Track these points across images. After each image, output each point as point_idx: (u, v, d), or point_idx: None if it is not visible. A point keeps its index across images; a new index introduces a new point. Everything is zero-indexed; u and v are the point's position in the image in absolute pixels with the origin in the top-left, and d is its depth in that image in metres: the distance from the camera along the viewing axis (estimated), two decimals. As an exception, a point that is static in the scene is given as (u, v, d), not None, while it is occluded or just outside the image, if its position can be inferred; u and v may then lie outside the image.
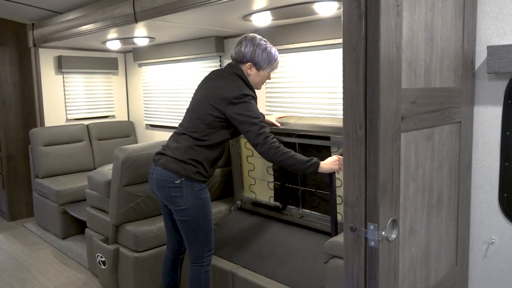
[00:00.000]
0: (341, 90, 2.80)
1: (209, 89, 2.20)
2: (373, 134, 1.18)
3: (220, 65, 3.83)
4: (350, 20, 1.18)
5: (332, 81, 2.92)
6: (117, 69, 4.91)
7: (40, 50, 4.40)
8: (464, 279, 1.71)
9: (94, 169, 4.46)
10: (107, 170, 3.21)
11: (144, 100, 4.79)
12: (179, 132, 2.23)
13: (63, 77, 4.58)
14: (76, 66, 4.59)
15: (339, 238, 1.89)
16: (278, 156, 2.02)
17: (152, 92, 4.64)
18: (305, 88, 3.10)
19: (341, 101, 2.81)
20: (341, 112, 2.77)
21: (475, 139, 1.65)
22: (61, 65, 4.47)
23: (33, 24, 4.30)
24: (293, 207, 2.79)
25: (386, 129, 1.19)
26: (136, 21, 3.03)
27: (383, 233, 1.21)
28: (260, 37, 2.21)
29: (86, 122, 4.65)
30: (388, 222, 1.23)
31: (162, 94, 4.51)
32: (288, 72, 3.20)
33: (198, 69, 4.05)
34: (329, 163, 2.06)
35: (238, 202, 3.09)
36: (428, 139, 1.40)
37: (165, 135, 4.51)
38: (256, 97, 2.20)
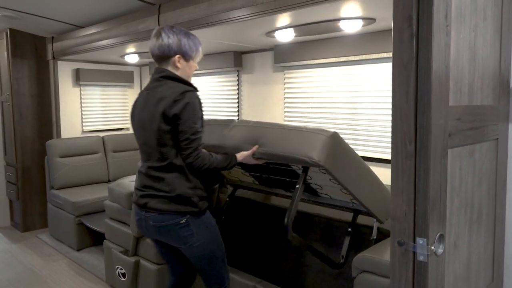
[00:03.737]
0: (363, 105, 2.84)
1: (150, 109, 1.93)
2: (424, 150, 1.20)
3: (237, 79, 3.88)
4: (401, 39, 1.21)
5: (353, 97, 2.96)
6: (132, 82, 4.96)
7: (59, 62, 4.46)
8: (499, 295, 1.72)
9: (109, 181, 4.48)
10: (128, 182, 3.22)
11: (159, 113, 4.83)
12: (154, 169, 1.96)
13: (80, 90, 4.63)
14: (93, 78, 4.65)
15: (368, 252, 1.91)
16: (201, 164, 1.90)
17: (168, 105, 4.68)
18: (325, 104, 3.13)
19: (362, 116, 2.84)
20: (363, 127, 2.79)
21: (510, 155, 1.67)
22: (79, 77, 4.53)
23: (52, 37, 4.37)
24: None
25: (436, 145, 1.21)
26: (160, 36, 3.08)
27: (432, 247, 1.22)
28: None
29: (101, 134, 4.69)
30: (436, 237, 1.24)
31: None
32: (309, 88, 3.24)
33: (216, 83, 4.10)
34: (245, 157, 2.02)
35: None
36: (470, 155, 1.42)
37: (180, 148, 4.53)
38: (196, 88, 1.98)
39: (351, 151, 1.99)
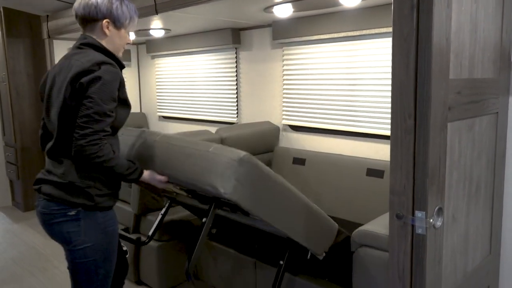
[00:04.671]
0: (362, 82, 2.81)
1: (59, 80, 1.63)
2: (423, 124, 1.20)
3: (236, 57, 3.84)
4: (402, 11, 1.19)
5: (352, 73, 2.93)
6: (129, 61, 4.91)
7: (54, 41, 4.40)
8: (496, 267, 1.75)
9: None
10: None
11: (157, 92, 4.80)
12: (55, 151, 1.67)
13: (77, 69, 4.59)
14: (89, 57, 4.59)
15: (367, 227, 1.93)
16: (94, 155, 1.54)
17: (166, 83, 4.66)
18: (324, 80, 3.11)
19: (361, 92, 2.83)
20: (362, 103, 2.77)
21: (510, 129, 1.67)
22: (75, 56, 4.48)
23: (47, 16, 4.29)
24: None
25: (435, 119, 1.21)
26: (157, 13, 3.03)
27: (431, 220, 1.23)
28: None
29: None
30: (435, 210, 1.25)
31: (176, 85, 4.52)
32: (307, 64, 3.21)
33: (214, 61, 4.06)
34: (153, 180, 1.78)
35: None
36: (470, 129, 1.42)
37: (179, 127, 4.53)
38: (122, 66, 1.71)
39: (269, 175, 1.64)
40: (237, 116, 3.87)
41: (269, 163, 3.46)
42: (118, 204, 3.14)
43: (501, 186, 1.69)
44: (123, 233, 2.69)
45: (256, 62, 3.65)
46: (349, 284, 2.08)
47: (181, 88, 4.48)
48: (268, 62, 3.53)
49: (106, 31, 1.66)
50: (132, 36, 4.01)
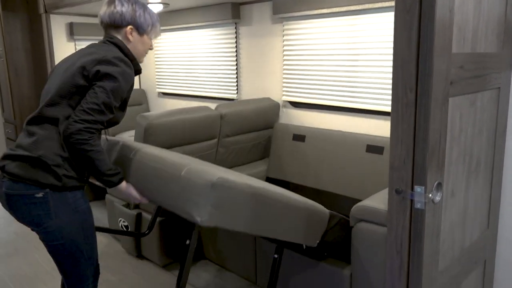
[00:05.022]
0: (363, 57, 2.78)
1: (73, 59, 1.67)
2: (424, 98, 1.19)
3: (235, 32, 3.79)
4: (405, -18, 1.17)
5: (353, 48, 2.90)
6: (128, 36, 4.85)
7: (52, 16, 4.33)
8: (494, 241, 1.76)
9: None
10: (128, 137, 3.24)
11: (156, 68, 4.76)
12: (33, 120, 1.63)
13: (75, 44, 4.53)
14: (87, 33, 4.53)
15: (366, 202, 1.94)
16: (86, 143, 1.53)
17: (165, 59, 4.61)
18: (325, 56, 3.08)
19: (362, 68, 2.80)
20: (363, 79, 2.75)
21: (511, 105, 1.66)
22: (73, 32, 4.41)
23: (43, -11, 4.22)
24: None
25: (437, 93, 1.20)
26: (155, -14, 2.98)
27: (430, 195, 1.24)
28: None
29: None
30: (434, 185, 1.25)
31: (175, 61, 4.48)
32: (308, 40, 3.17)
33: (213, 36, 4.00)
34: (131, 192, 1.71)
35: None
36: (471, 104, 1.41)
37: (179, 103, 4.51)
38: (139, 70, 1.78)
39: (247, 191, 1.54)
40: (237, 93, 3.85)
41: (268, 140, 3.46)
42: (119, 180, 3.16)
43: (501, 162, 1.69)
44: (122, 229, 2.68)
45: (256, 37, 3.60)
46: (347, 258, 2.11)
47: (180, 64, 4.44)
48: (268, 37, 3.49)
49: (130, 37, 1.74)
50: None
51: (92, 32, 4.57)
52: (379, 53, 2.76)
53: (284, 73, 3.37)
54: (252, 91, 3.68)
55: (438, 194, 1.28)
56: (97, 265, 1.79)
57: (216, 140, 3.10)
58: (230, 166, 3.31)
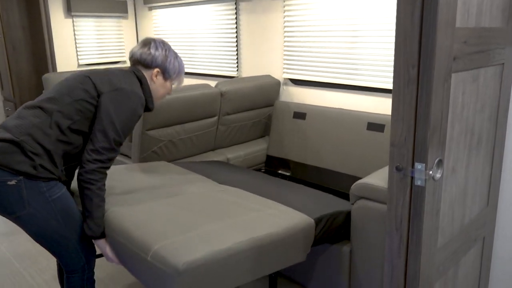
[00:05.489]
0: (364, 33, 2.73)
1: (97, 71, 1.76)
2: (427, 74, 1.17)
3: (235, 8, 3.72)
4: (409, -46, 1.13)
5: (354, 24, 2.85)
6: (126, 12, 4.77)
7: (48, -8, 4.26)
8: (493, 219, 1.77)
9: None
10: (127, 115, 3.23)
11: (155, 45, 4.70)
12: (29, 106, 1.65)
13: (73, 21, 4.47)
14: (85, 9, 4.46)
15: (366, 180, 1.94)
16: (94, 186, 1.59)
17: (164, 36, 4.55)
18: (326, 32, 3.03)
19: (363, 44, 2.76)
20: (364, 56, 2.70)
21: (515, 81, 1.64)
22: (70, 8, 4.34)
23: (39, -36, 4.13)
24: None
25: (440, 69, 1.18)
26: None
27: (430, 172, 1.23)
28: None
29: (98, 68, 4.60)
30: (435, 162, 1.25)
31: (175, 38, 4.42)
32: (309, 15, 3.11)
33: (213, 13, 3.94)
34: (107, 250, 1.68)
35: None
36: (474, 80, 1.39)
37: (179, 81, 4.47)
38: (151, 109, 1.83)
39: (219, 261, 1.47)
40: (237, 70, 3.81)
41: (269, 118, 3.44)
42: (118, 158, 3.16)
43: (503, 139, 1.68)
44: None
45: (256, 13, 3.54)
46: (347, 235, 2.12)
47: (180, 41, 4.38)
48: (269, 13, 3.43)
49: (154, 79, 1.84)
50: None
51: (90, 8, 4.50)
52: (381, 29, 2.71)
53: (285, 50, 3.32)
54: (252, 68, 3.65)
55: (439, 171, 1.27)
56: (91, 248, 1.77)
57: (216, 118, 3.09)
58: (230, 144, 3.31)
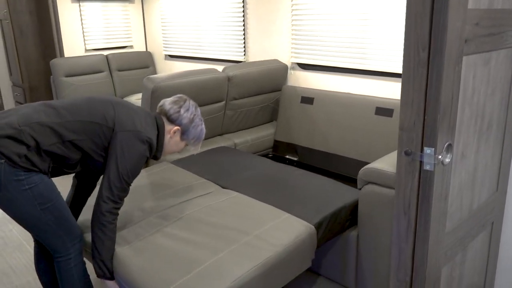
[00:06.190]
0: (376, 16, 2.69)
1: (124, 104, 1.78)
2: (437, 57, 1.15)
3: (243, -8, 3.67)
4: None
5: (364, 6, 2.80)
6: (133, -4, 4.75)
7: (54, -24, 4.24)
8: (502, 204, 1.76)
9: (116, 100, 4.48)
10: (135, 100, 3.22)
11: (162, 30, 4.67)
12: (48, 104, 1.68)
13: (79, 6, 4.45)
14: (92, -7, 4.44)
15: (374, 164, 1.93)
16: (106, 228, 1.65)
17: (171, 20, 4.52)
18: (335, 15, 2.98)
19: (375, 28, 2.71)
20: (373, 40, 2.66)
21: (528, 65, 1.60)
22: (77, -8, 4.33)
23: None
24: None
25: (451, 52, 1.15)
26: None
27: (440, 157, 1.22)
28: None
29: (105, 53, 4.59)
30: (444, 146, 1.23)
31: (182, 22, 4.39)
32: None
33: (220, -4, 3.90)
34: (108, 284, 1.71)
35: None
36: (486, 64, 1.36)
37: (186, 66, 4.46)
38: (156, 158, 1.85)
39: None
40: (244, 54, 3.78)
41: (276, 103, 3.42)
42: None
43: (514, 123, 1.66)
44: None
45: (264, -4, 3.50)
46: (354, 221, 2.12)
47: (186, 25, 4.35)
48: (276, -4, 3.38)
49: (172, 135, 1.84)
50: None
51: (96, -7, 4.48)
52: (391, 11, 2.67)
53: (293, 34, 3.29)
54: (259, 52, 3.62)
55: (448, 155, 1.25)
56: (73, 231, 1.74)
57: (223, 102, 3.08)
58: (238, 129, 3.30)
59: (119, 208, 1.68)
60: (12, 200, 1.57)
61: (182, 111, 1.84)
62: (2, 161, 1.53)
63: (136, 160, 1.67)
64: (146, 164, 2.95)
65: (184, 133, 1.86)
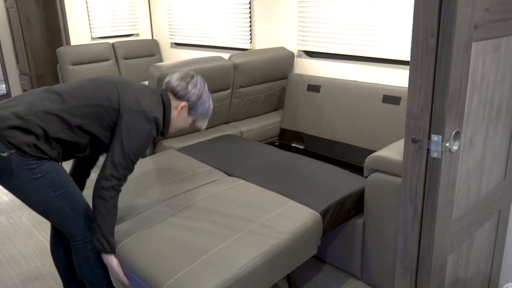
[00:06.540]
0: (383, 2, 2.65)
1: (129, 83, 1.76)
2: (446, 43, 1.13)
3: (249, -22, 3.64)
4: None
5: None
6: (138, -16, 4.72)
7: (60, -37, 4.22)
8: (510, 192, 1.75)
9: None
10: (141, 88, 3.23)
11: (168, 18, 4.65)
12: (51, 90, 1.68)
13: (85, -7, 4.44)
14: (97, -19, 4.42)
15: (380, 152, 1.92)
16: (108, 203, 1.63)
17: (177, 8, 4.49)
18: (342, 1, 2.95)
19: (383, 14, 2.67)
20: (380, 26, 2.63)
21: (538, 51, 1.58)
22: (82, -21, 4.31)
23: None
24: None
25: (460, 38, 1.14)
26: None
27: (447, 144, 1.21)
28: None
29: (111, 41, 4.58)
30: (452, 134, 1.22)
31: (188, 10, 4.36)
32: (325, -16, 3.03)
33: (226, -17, 3.86)
34: (115, 266, 1.70)
35: None
36: (495, 50, 1.34)
37: (192, 53, 4.44)
38: (164, 134, 1.82)
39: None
40: (250, 42, 3.76)
41: (283, 91, 3.41)
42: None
43: (523, 111, 1.64)
44: None
45: (270, -17, 3.46)
46: (360, 209, 2.13)
47: (193, 13, 4.32)
48: (283, -17, 3.35)
49: (180, 110, 1.81)
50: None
51: (102, -20, 4.46)
52: (399, -2, 2.63)
53: (299, 21, 3.26)
54: (266, 40, 3.59)
55: (456, 143, 1.25)
56: (89, 215, 1.77)
57: (229, 90, 3.07)
58: (244, 117, 3.30)
59: (122, 185, 1.66)
60: (26, 189, 1.60)
61: (189, 87, 1.81)
62: (13, 151, 1.54)
63: (142, 140, 1.66)
64: (154, 150, 2.97)
65: (191, 109, 1.84)
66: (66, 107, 1.61)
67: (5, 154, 1.54)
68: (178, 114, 1.82)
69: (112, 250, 1.67)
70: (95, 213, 1.65)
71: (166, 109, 1.78)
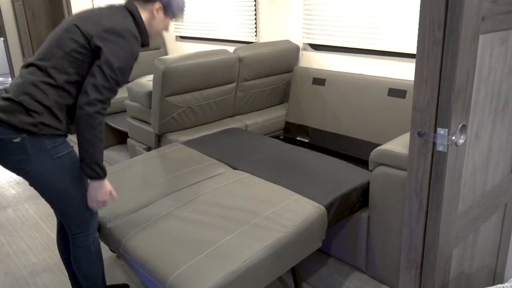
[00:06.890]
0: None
1: (83, 14, 1.66)
2: (453, 35, 1.12)
3: (254, -29, 3.61)
4: None
5: (379, -15, 2.74)
6: (143, -23, 4.71)
7: (65, -44, 4.22)
8: (516, 186, 1.74)
9: (127, 81, 4.49)
10: (146, 81, 3.23)
11: (173, 11, 4.64)
12: (26, 64, 1.65)
13: (90, -14, 4.44)
14: (102, -26, 4.42)
15: (386, 146, 1.92)
16: (96, 130, 1.56)
17: (181, 1, 4.48)
18: (348, -6, 2.93)
19: (389, 6, 2.65)
20: (387, 19, 2.61)
21: (546, 43, 1.56)
22: (87, -27, 4.31)
23: None
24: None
25: (467, 30, 1.13)
26: None
27: (453, 138, 1.20)
28: None
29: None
30: (458, 127, 1.22)
31: (193, 3, 4.35)
32: (330, -24, 3.00)
33: (231, -25, 3.84)
34: (109, 187, 1.70)
35: None
36: (503, 42, 1.33)
37: (197, 47, 4.43)
38: (147, 43, 1.76)
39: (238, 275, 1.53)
40: (255, 35, 3.75)
41: (288, 84, 3.40)
42: (139, 124, 3.19)
43: (530, 104, 1.62)
44: None
45: (275, -25, 3.44)
46: (365, 203, 2.13)
47: (197, 6, 4.31)
48: (288, -25, 3.33)
49: (155, 13, 1.74)
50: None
51: (106, -27, 4.45)
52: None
53: (305, 14, 3.24)
54: (271, 33, 3.58)
55: (462, 136, 1.24)
56: (95, 213, 1.79)
57: (234, 84, 3.07)
58: (249, 111, 3.30)
59: (106, 109, 1.60)
60: (42, 172, 1.60)
61: None
62: (24, 135, 1.54)
63: (123, 56, 1.59)
64: (159, 144, 2.98)
65: (167, 8, 1.76)
66: (44, 72, 1.58)
67: (18, 140, 1.54)
68: (155, 18, 1.75)
69: (105, 175, 1.66)
70: (82, 142, 1.57)
71: (136, 18, 1.69)
